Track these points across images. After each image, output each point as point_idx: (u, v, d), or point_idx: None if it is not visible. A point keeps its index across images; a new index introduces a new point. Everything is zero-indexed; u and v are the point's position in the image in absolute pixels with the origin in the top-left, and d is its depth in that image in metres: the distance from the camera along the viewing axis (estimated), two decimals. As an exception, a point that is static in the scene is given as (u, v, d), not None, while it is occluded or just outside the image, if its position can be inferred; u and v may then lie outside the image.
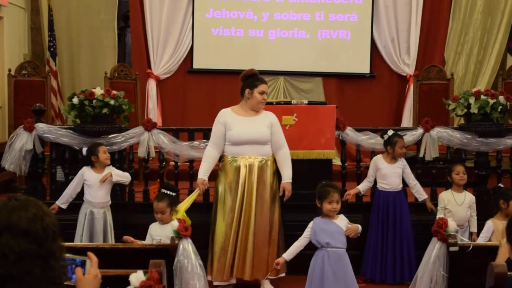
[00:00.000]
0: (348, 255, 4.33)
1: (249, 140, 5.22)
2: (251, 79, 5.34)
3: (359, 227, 4.36)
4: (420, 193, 5.81)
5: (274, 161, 5.36)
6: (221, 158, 5.43)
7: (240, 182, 5.20)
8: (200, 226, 5.29)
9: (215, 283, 5.20)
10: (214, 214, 5.33)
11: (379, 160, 5.80)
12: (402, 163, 5.80)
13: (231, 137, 5.26)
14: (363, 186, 5.89)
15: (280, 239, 5.31)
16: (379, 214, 5.74)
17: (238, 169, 5.21)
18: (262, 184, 5.23)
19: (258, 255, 5.20)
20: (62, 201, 5.47)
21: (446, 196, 5.53)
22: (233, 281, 5.25)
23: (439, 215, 5.26)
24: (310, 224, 4.36)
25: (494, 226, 4.62)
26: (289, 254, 4.40)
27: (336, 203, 4.31)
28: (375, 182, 5.88)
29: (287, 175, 5.26)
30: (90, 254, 2.24)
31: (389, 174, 5.73)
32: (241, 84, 5.40)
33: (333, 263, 4.24)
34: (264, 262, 5.20)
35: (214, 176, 5.42)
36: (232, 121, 5.28)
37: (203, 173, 5.26)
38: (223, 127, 5.29)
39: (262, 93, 5.28)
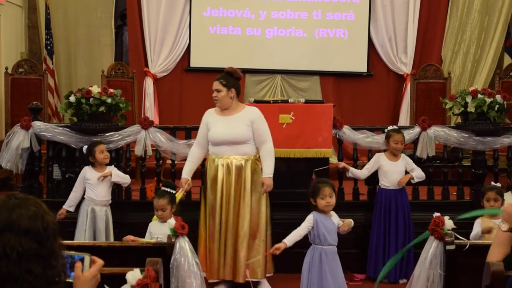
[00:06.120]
0: (339, 254, 4.36)
1: (226, 141, 5.20)
2: None
3: (352, 221, 4.37)
4: (417, 175, 5.74)
5: (258, 159, 5.33)
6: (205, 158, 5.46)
7: (218, 182, 5.20)
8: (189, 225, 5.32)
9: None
10: (201, 212, 5.38)
11: (381, 157, 5.79)
12: (404, 161, 5.77)
13: (210, 138, 5.28)
14: (357, 171, 5.87)
15: (268, 238, 5.28)
16: (381, 212, 5.75)
17: (217, 168, 5.22)
18: (241, 184, 5.20)
19: (238, 256, 5.18)
20: (69, 205, 5.46)
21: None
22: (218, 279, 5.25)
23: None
24: (311, 216, 4.36)
25: (482, 225, 4.62)
26: (289, 240, 4.35)
27: (329, 197, 4.31)
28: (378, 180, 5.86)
29: (267, 170, 5.16)
30: (95, 258, 2.24)
31: (390, 171, 5.71)
32: None
33: (330, 260, 4.27)
34: (245, 263, 5.15)
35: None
36: (212, 121, 5.29)
37: (187, 173, 5.28)
38: (206, 128, 5.31)
39: (213, 90, 5.27)
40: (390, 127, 5.91)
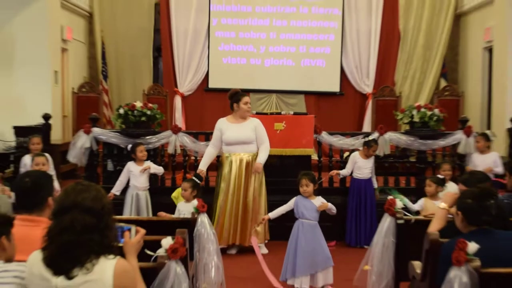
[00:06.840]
0: (320, 226, 4.32)
1: (238, 141, 5.27)
2: (236, 96, 5.35)
3: (328, 204, 4.31)
4: (374, 183, 5.85)
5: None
6: (220, 156, 5.51)
7: (233, 172, 5.26)
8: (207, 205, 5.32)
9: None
10: (215, 195, 5.40)
11: (356, 156, 5.80)
12: (373, 160, 5.82)
13: (225, 139, 5.32)
14: (343, 172, 5.89)
15: (265, 214, 5.31)
16: (354, 196, 5.79)
17: (231, 162, 5.27)
18: (249, 174, 5.27)
19: (246, 226, 5.28)
20: (116, 190, 5.43)
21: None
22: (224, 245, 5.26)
23: None
24: (293, 199, 4.38)
25: (424, 203, 4.64)
26: (273, 214, 4.41)
27: (305, 186, 4.28)
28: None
29: (259, 159, 5.24)
30: (139, 228, 2.27)
31: (363, 167, 5.76)
32: (229, 101, 5.42)
33: (306, 232, 4.25)
34: (249, 231, 5.25)
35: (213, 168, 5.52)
36: (225, 127, 5.33)
37: (203, 166, 5.34)
38: (220, 132, 5.35)
39: (246, 103, 5.29)
40: (371, 137, 5.93)
